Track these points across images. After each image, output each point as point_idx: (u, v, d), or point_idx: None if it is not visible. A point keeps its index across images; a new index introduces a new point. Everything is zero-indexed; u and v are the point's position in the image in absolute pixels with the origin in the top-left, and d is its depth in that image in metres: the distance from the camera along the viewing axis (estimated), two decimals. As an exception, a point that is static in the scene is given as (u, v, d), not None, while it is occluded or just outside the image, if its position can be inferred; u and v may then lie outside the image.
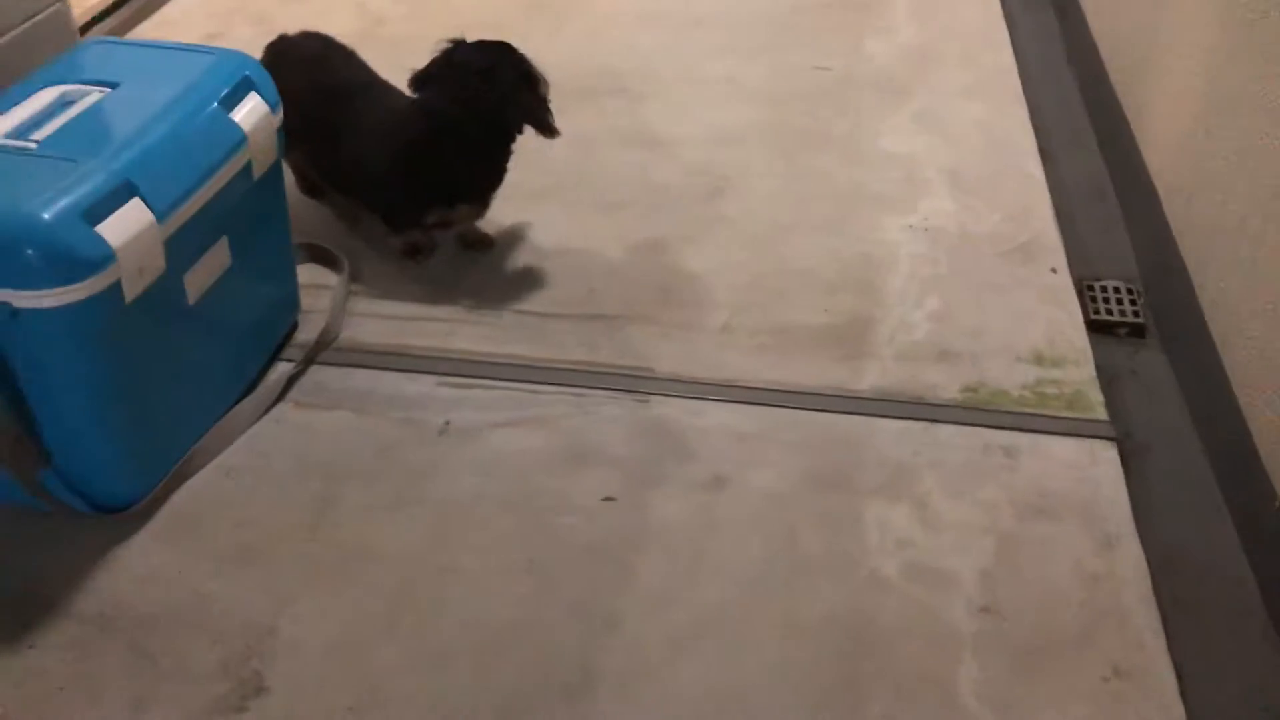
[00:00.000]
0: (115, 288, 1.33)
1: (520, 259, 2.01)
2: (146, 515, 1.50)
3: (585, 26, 2.78)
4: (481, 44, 1.85)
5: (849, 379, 1.75)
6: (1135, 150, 2.15)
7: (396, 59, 2.11)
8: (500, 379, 1.75)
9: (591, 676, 1.32)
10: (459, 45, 1.85)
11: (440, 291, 1.93)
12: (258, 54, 1.99)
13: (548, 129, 1.83)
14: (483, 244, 2.02)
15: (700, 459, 1.61)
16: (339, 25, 2.46)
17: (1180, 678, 1.32)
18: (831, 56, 2.66)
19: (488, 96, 1.79)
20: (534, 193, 2.13)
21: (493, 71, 1.80)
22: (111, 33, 2.68)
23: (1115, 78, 2.36)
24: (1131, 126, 2.21)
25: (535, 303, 1.91)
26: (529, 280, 1.96)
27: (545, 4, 2.89)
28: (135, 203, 1.36)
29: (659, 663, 1.34)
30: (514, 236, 2.06)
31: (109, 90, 1.51)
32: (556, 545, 1.48)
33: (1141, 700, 1.30)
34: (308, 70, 1.99)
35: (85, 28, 2.65)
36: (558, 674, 1.32)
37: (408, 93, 1.90)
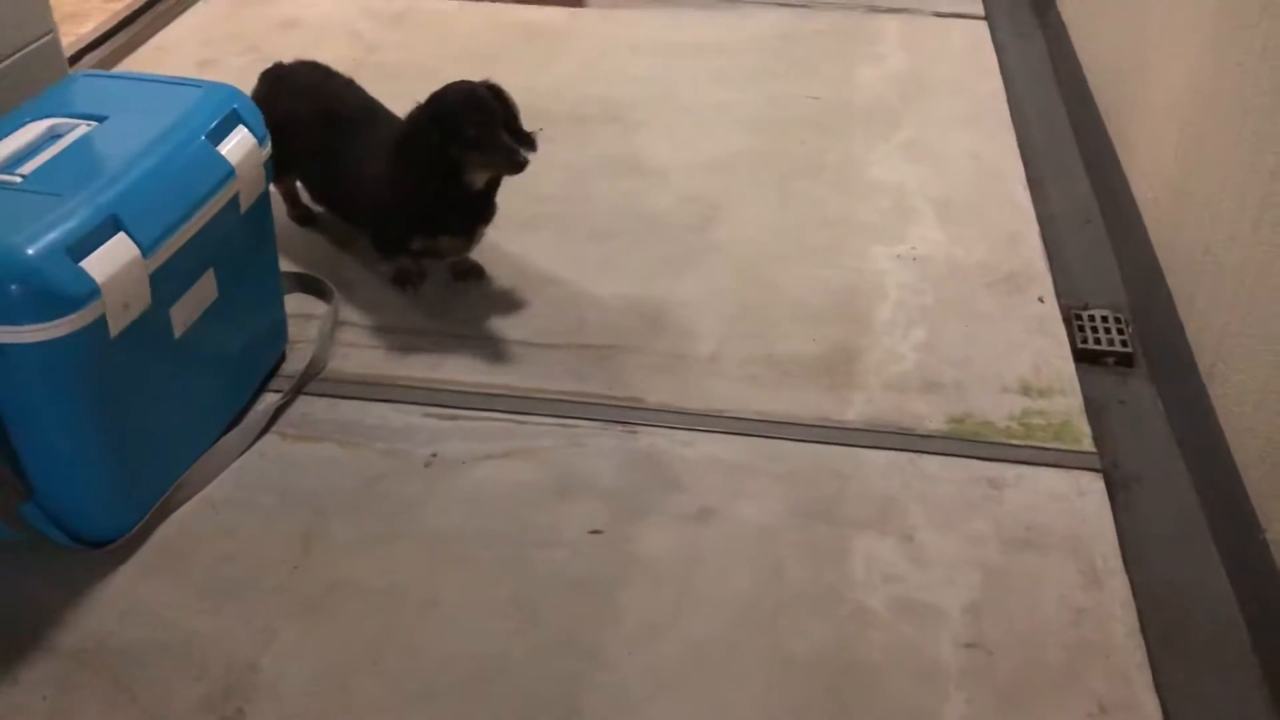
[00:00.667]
0: (100, 323, 1.33)
1: (510, 288, 2.02)
2: (131, 549, 1.49)
3: (579, 55, 2.80)
4: (462, 92, 1.82)
5: (836, 409, 1.75)
6: (1122, 179, 2.16)
7: (389, 87, 2.13)
8: (488, 409, 1.74)
9: (577, 712, 1.31)
10: (457, 83, 1.85)
11: (429, 321, 1.93)
12: (250, 82, 2.01)
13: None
14: (473, 273, 2.03)
15: (688, 490, 1.61)
16: (332, 53, 2.47)
17: (1166, 714, 1.32)
18: (822, 85, 2.67)
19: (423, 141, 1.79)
20: (525, 221, 2.14)
21: (427, 122, 1.79)
22: (105, 60, 2.69)
23: (1103, 106, 2.37)
24: (1119, 155, 2.22)
25: (525, 332, 1.91)
26: (519, 309, 1.96)
27: (539, 33, 2.91)
28: (120, 237, 1.36)
29: (644, 698, 1.33)
30: (505, 265, 2.06)
31: (97, 124, 1.51)
32: (542, 579, 1.47)
33: (1127, 737, 1.29)
34: (307, 96, 2.01)
35: (79, 54, 2.67)
36: (543, 710, 1.32)
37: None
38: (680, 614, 1.43)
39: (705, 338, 1.90)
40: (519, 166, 1.77)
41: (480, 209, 1.91)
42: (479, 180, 1.84)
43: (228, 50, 2.77)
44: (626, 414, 1.74)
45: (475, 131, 1.77)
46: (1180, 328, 1.78)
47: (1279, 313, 1.46)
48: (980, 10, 3.04)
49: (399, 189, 1.86)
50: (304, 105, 2.00)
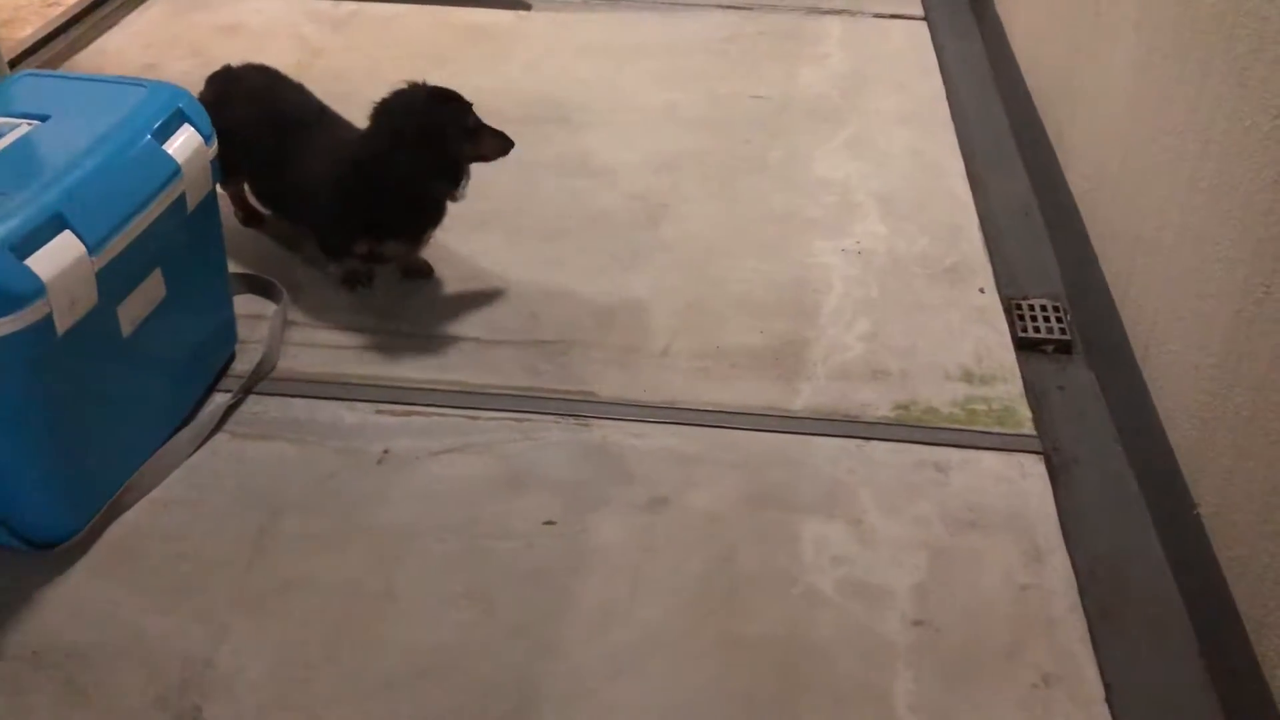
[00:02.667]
0: (46, 320, 1.33)
1: (462, 286, 2.03)
2: (81, 549, 1.48)
3: (526, 57, 2.81)
4: (429, 92, 1.85)
5: (785, 399, 1.78)
6: (1058, 172, 2.22)
7: (335, 90, 2.13)
8: (441, 406, 1.75)
9: (533, 700, 1.33)
10: (411, 86, 1.86)
11: (380, 320, 1.94)
12: (195, 86, 2.00)
13: (449, 197, 1.88)
14: (422, 272, 2.04)
15: (640, 481, 1.63)
16: (277, 57, 2.46)
17: (1107, 684, 1.36)
18: (767, 84, 2.71)
19: (396, 147, 1.81)
20: (476, 220, 2.14)
21: (416, 120, 1.81)
22: (47, 64, 2.66)
23: (1039, 103, 2.44)
24: (1055, 150, 2.28)
25: (477, 329, 1.92)
26: (470, 307, 1.97)
27: (486, 35, 2.92)
28: (66, 235, 1.35)
29: (600, 684, 1.35)
30: (455, 264, 2.07)
31: (39, 123, 1.50)
32: (496, 571, 1.48)
33: (1070, 707, 1.33)
34: (255, 99, 2.01)
35: (19, 58, 2.63)
36: (499, 698, 1.33)
37: (355, 124, 1.93)
38: (635, 601, 1.45)
39: (656, 332, 1.92)
40: (510, 146, 1.86)
41: (429, 215, 1.92)
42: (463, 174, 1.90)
43: (170, 55, 2.75)
44: (579, 407, 1.75)
45: (475, 121, 1.84)
46: (1116, 315, 1.84)
47: (1206, 294, 1.51)
48: (919, 11, 3.10)
49: (362, 191, 1.86)
50: (252, 109, 1.99)
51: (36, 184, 1.38)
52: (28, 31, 2.73)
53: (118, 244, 1.43)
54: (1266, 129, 1.37)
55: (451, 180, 1.87)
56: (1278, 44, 1.36)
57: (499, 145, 1.87)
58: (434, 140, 1.82)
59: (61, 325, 1.35)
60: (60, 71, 2.56)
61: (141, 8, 2.99)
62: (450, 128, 1.82)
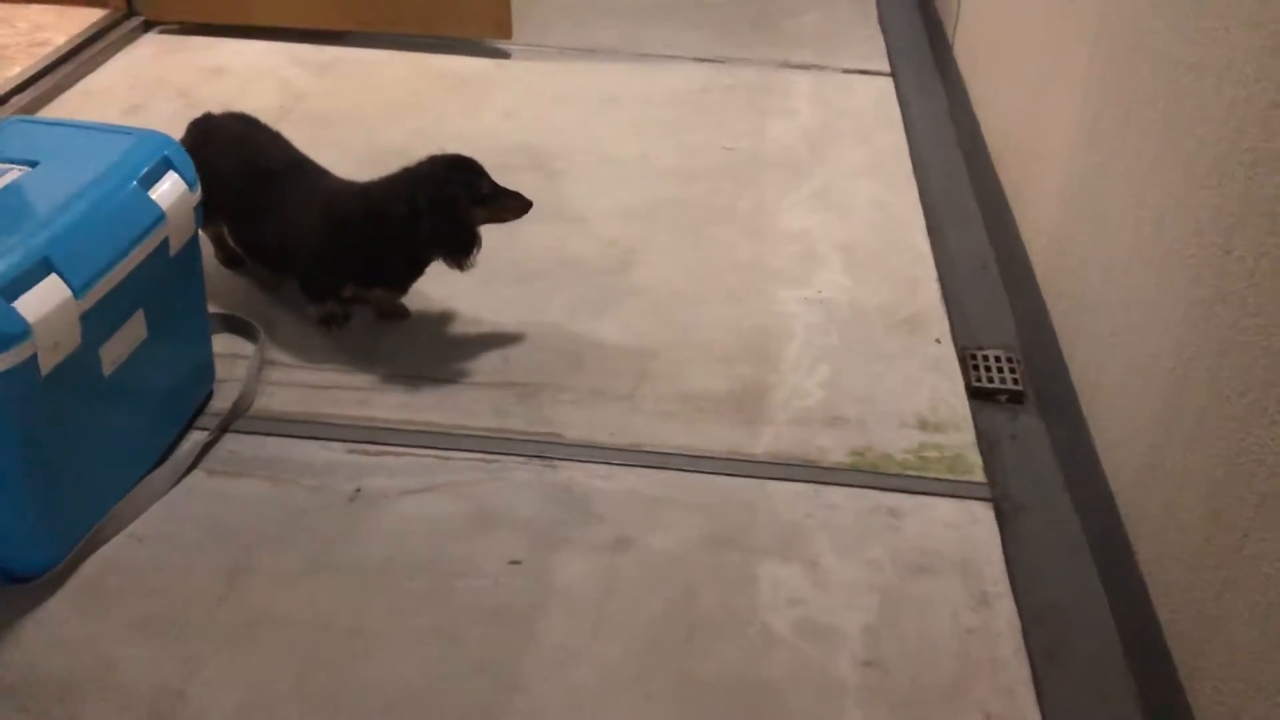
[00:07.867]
0: (31, 361, 1.37)
1: (436, 328, 2.08)
2: (57, 584, 1.52)
3: (503, 105, 2.89)
4: (448, 160, 1.93)
5: (746, 443, 1.84)
6: (1014, 228, 2.30)
7: (317, 134, 2.20)
8: (412, 446, 1.80)
9: (495, 735, 1.37)
10: (433, 157, 1.94)
11: (355, 360, 1.99)
12: (179, 129, 2.05)
13: (458, 265, 1.95)
14: (398, 314, 2.09)
15: (605, 521, 1.68)
16: (260, 101, 2.53)
17: (1047, 724, 1.42)
18: (736, 137, 2.79)
19: (411, 214, 1.88)
20: (449, 265, 2.21)
21: (432, 189, 1.89)
22: (33, 104, 2.71)
23: (996, 160, 2.53)
24: (1011, 206, 2.37)
25: (449, 371, 1.97)
26: (444, 349, 2.03)
27: (465, 82, 3.00)
28: (52, 279, 1.40)
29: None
30: (430, 306, 2.13)
31: (29, 168, 1.55)
32: (463, 609, 1.53)
33: (1011, 745, 1.39)
34: (234, 148, 2.06)
35: (4, 98, 2.68)
36: (462, 733, 1.37)
37: (335, 173, 1.99)
38: (596, 639, 1.50)
39: (624, 376, 1.98)
40: (528, 206, 1.95)
41: (419, 269, 1.99)
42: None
43: (156, 96, 2.81)
44: (546, 449, 1.81)
45: (490, 185, 1.93)
46: (1064, 367, 1.92)
47: (1145, 352, 1.59)
48: (886, 68, 3.21)
49: (358, 243, 1.93)
50: (230, 158, 2.03)
51: (25, 228, 1.43)
52: (15, 70, 2.78)
53: (102, 287, 1.49)
54: (1196, 199, 1.46)
55: (464, 250, 1.93)
56: (1209, 121, 1.45)
57: (517, 206, 1.95)
58: (445, 210, 1.89)
59: (45, 366, 1.40)
60: (49, 118, 2.60)
61: (127, 49, 3.05)
62: (461, 197, 1.90)
